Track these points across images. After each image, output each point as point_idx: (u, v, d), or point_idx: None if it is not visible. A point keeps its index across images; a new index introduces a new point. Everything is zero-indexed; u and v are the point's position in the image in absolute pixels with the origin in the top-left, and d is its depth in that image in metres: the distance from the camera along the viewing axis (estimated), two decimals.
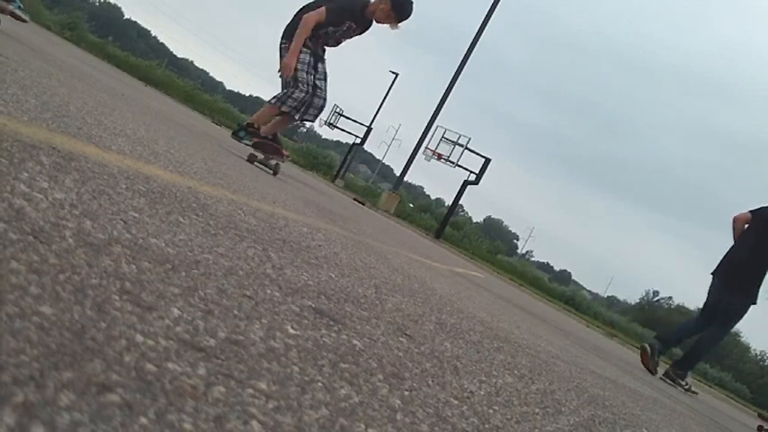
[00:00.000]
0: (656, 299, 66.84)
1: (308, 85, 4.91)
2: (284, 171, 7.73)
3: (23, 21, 6.94)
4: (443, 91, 22.20)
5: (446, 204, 37.51)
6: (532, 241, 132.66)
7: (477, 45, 21.72)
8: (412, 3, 4.98)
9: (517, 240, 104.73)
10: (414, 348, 1.20)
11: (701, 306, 6.32)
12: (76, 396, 0.43)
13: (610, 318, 32.94)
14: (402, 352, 1.11)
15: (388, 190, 26.02)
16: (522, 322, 3.75)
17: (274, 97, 4.99)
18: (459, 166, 23.37)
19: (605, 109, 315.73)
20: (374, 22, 5.05)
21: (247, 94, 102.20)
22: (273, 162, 4.97)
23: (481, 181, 22.77)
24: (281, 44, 5.02)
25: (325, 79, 5.06)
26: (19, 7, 6.80)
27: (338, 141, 76.30)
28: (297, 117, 4.97)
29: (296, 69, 4.86)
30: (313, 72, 4.95)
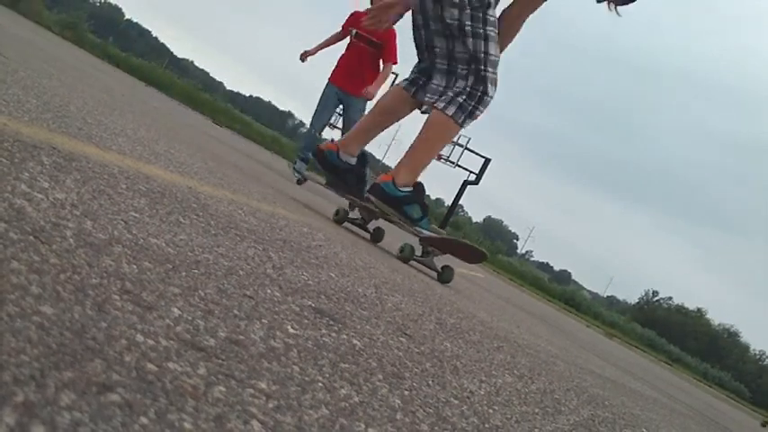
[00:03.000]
0: (656, 299, 66.86)
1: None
2: (283, 172, 7.72)
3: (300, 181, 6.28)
4: None
5: (446, 204, 37.45)
6: (532, 241, 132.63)
7: None
8: None
9: (517, 240, 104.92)
10: (414, 348, 1.20)
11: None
12: (77, 396, 0.43)
13: (610, 318, 32.96)
14: (402, 352, 1.12)
15: None
16: (522, 322, 3.75)
17: (443, 97, 2.78)
18: (459, 166, 23.33)
19: (606, 109, 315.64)
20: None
21: (247, 95, 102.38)
22: (374, 225, 3.24)
23: (481, 181, 22.75)
24: None
25: None
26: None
27: None
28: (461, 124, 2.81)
29: (489, 39, 2.70)
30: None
